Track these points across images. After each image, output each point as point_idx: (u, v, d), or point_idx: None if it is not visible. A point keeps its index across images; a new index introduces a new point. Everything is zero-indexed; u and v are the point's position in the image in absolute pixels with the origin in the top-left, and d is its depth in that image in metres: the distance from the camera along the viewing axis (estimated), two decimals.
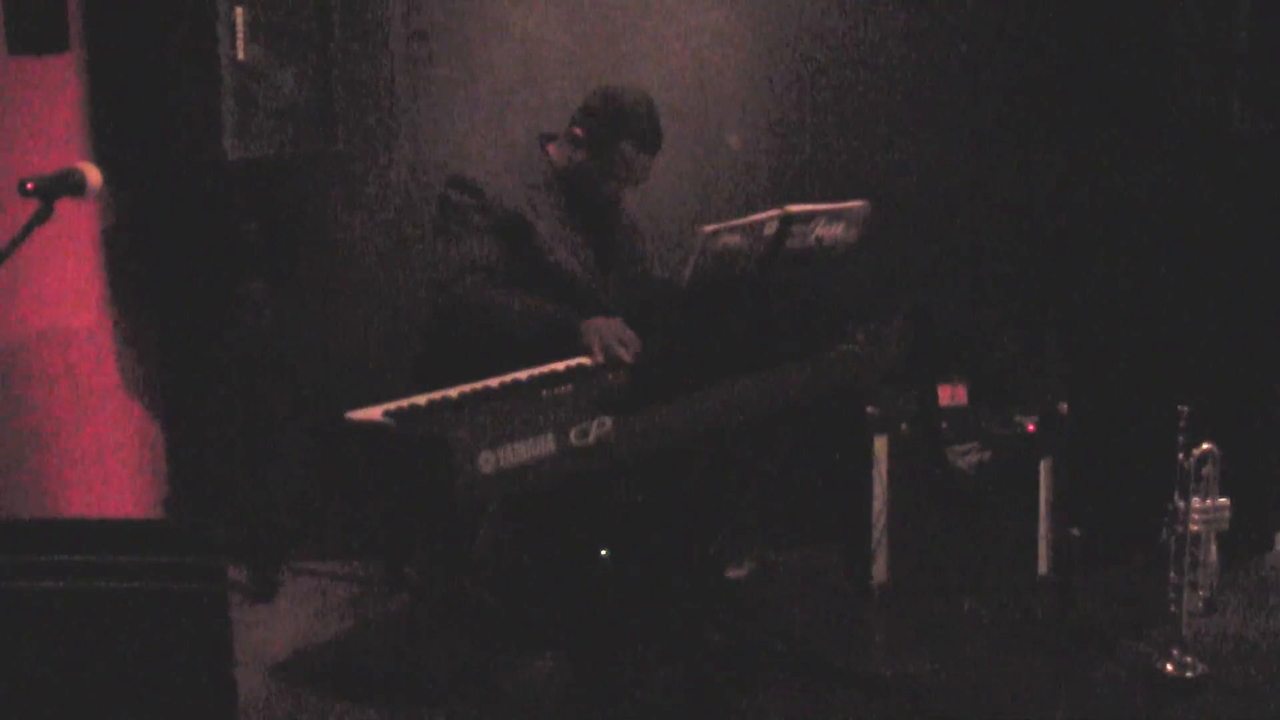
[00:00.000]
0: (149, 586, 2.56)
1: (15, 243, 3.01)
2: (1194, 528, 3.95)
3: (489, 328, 3.79)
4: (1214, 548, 4.01)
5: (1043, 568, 4.59)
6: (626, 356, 3.61)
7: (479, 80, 4.76)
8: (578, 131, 3.98)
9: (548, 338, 3.73)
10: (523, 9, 4.81)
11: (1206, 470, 3.94)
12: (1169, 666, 3.95)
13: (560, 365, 3.64)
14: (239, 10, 4.13)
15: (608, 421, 3.19)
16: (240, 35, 4.14)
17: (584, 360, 3.66)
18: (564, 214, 3.99)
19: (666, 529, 4.07)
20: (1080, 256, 4.93)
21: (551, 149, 4.07)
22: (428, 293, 3.99)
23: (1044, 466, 4.56)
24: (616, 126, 3.92)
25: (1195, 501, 3.94)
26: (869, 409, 4.50)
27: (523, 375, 3.54)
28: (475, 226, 3.86)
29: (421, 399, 3.29)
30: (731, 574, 4.65)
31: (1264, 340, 4.83)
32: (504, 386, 3.46)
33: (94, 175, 3.14)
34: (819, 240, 3.56)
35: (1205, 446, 3.92)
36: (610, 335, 3.68)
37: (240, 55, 4.14)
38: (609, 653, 3.93)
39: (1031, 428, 4.55)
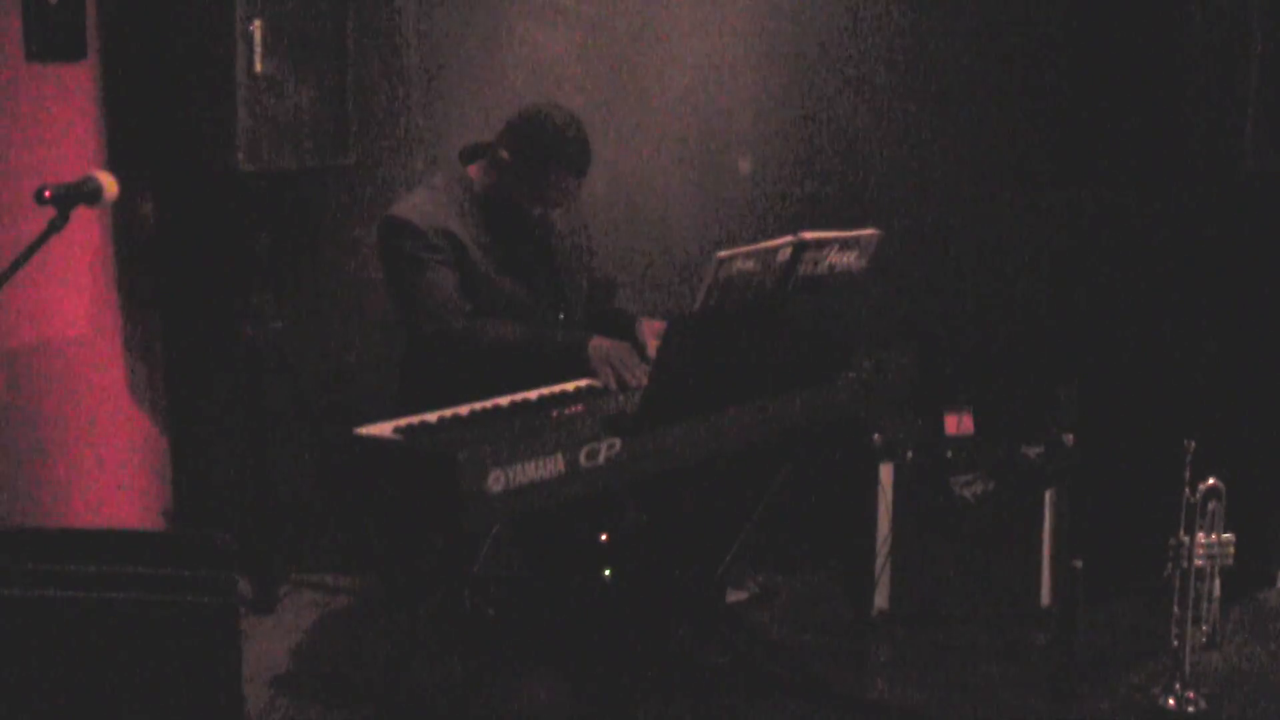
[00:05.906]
0: (160, 598, 2.57)
1: (31, 250, 3.01)
2: (1198, 563, 3.96)
3: (492, 361, 3.77)
4: (1217, 583, 4.01)
5: (1045, 598, 4.59)
6: (634, 381, 3.62)
7: (491, 96, 4.77)
8: (504, 155, 3.83)
9: (552, 364, 3.73)
10: (537, 27, 4.82)
11: (1212, 506, 3.94)
12: (1170, 701, 3.94)
13: (570, 386, 3.64)
14: (257, 23, 4.14)
15: (617, 443, 3.20)
16: (258, 48, 4.15)
17: (592, 382, 3.67)
18: (491, 232, 3.89)
19: (670, 551, 4.08)
20: (1089, 288, 4.94)
21: (473, 170, 3.94)
22: (409, 331, 3.87)
23: (1049, 497, 4.56)
24: (546, 152, 3.78)
25: (1200, 536, 3.94)
26: (875, 436, 4.50)
27: (533, 395, 3.55)
28: (430, 263, 3.78)
29: (432, 416, 3.30)
30: (733, 597, 4.65)
31: (1270, 376, 4.83)
32: (514, 405, 3.46)
33: (110, 184, 3.13)
34: (831, 267, 3.56)
35: (1211, 482, 3.93)
36: (619, 360, 3.69)
37: (257, 68, 4.15)
38: (610, 673, 3.92)
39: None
